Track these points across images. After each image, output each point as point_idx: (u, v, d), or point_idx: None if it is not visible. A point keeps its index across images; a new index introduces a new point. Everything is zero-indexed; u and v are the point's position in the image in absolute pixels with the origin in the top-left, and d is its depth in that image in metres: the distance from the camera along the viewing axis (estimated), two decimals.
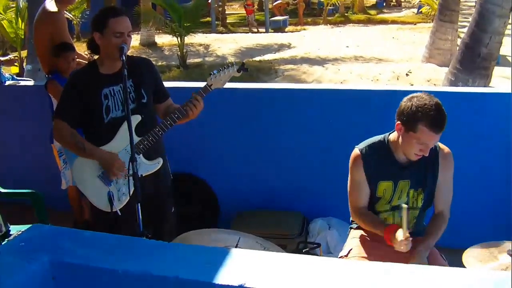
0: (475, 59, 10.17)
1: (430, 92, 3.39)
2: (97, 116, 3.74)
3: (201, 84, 3.83)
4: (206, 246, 2.21)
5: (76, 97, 3.76)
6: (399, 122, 3.37)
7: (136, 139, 3.71)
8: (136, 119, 3.73)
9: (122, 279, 1.94)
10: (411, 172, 3.48)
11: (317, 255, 4.74)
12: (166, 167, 4.10)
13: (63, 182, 5.56)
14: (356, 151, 3.58)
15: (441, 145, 3.54)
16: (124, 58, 3.56)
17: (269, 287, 1.78)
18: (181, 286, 1.85)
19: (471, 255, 3.16)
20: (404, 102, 3.36)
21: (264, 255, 2.01)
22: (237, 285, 1.78)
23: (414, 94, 3.37)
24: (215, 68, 3.95)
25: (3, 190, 5.04)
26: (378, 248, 3.55)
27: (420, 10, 29.54)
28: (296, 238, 4.99)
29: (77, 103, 3.75)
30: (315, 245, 4.83)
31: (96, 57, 3.93)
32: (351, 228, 3.89)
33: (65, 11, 6.35)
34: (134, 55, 4.35)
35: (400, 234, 3.22)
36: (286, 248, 4.86)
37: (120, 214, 3.72)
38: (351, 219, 3.82)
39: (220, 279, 1.83)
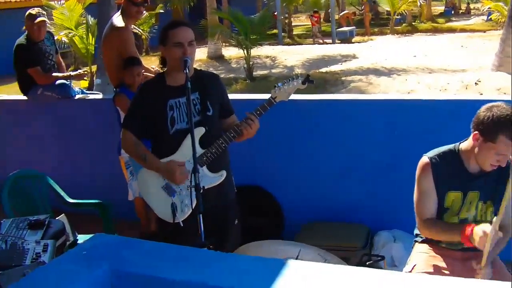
0: None
1: (498, 101, 3.30)
2: (162, 127, 3.80)
3: (267, 96, 3.84)
4: (263, 257, 2.21)
5: (143, 107, 3.86)
6: (476, 132, 3.28)
7: (200, 151, 3.75)
8: (200, 131, 3.76)
9: None
10: (482, 183, 3.37)
11: (381, 268, 4.68)
12: (230, 179, 4.10)
13: (130, 193, 5.66)
14: (425, 159, 3.49)
15: None
16: (187, 71, 3.61)
17: None
18: None
19: None
20: (483, 112, 3.27)
21: (321, 267, 1.99)
22: None
23: (493, 104, 3.28)
24: (281, 79, 3.94)
25: (71, 201, 5.16)
26: (444, 264, 3.48)
27: (489, 17, 28.98)
28: (360, 251, 4.92)
29: (144, 113, 3.84)
30: (379, 258, 4.77)
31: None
32: (415, 241, 3.79)
33: (133, 26, 6.49)
34: (202, 68, 4.41)
35: (486, 228, 3.09)
36: (349, 261, 4.81)
37: (182, 225, 3.75)
38: (415, 232, 3.74)
39: None
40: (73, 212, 5.37)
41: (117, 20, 5.70)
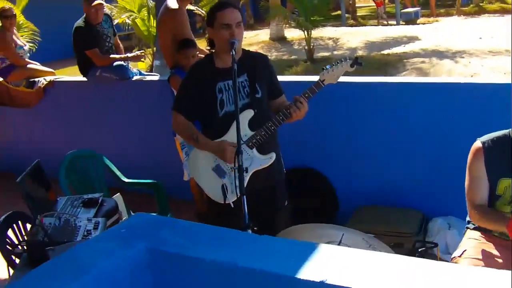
0: None
1: None
2: (212, 110, 3.83)
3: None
4: (296, 240, 2.22)
5: (192, 89, 3.90)
6: None
7: (249, 133, 3.78)
8: (249, 113, 3.78)
9: (209, 268, 1.99)
10: None
11: (434, 255, 4.62)
12: (280, 161, 4.10)
13: (185, 173, 5.72)
14: (477, 143, 3.42)
15: None
16: (234, 52, 3.60)
17: (351, 284, 1.75)
18: (263, 278, 1.86)
19: None
20: None
21: (354, 252, 1.98)
22: (318, 281, 1.77)
23: None
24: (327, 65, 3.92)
25: (127, 180, 5.27)
26: (497, 252, 3.40)
27: None
28: (414, 237, 4.86)
29: (194, 95, 3.88)
30: (432, 245, 4.70)
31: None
32: (467, 228, 3.71)
33: (196, 7, 6.52)
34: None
35: None
36: (403, 247, 4.77)
37: (233, 206, 3.78)
38: (467, 218, 3.67)
39: (303, 274, 1.83)
40: (131, 192, 5.52)
41: (171, 2, 5.76)
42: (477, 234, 3.58)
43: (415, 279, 1.79)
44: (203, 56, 5.69)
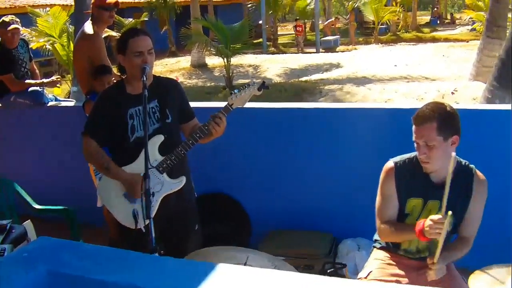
0: (511, 75, 9.83)
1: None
2: (122, 136, 3.85)
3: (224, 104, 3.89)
4: (195, 261, 2.28)
5: (103, 115, 3.90)
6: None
7: (159, 158, 3.83)
8: (159, 138, 3.82)
9: None
10: (442, 194, 3.35)
11: (343, 275, 4.74)
12: (190, 185, 4.16)
13: (99, 199, 5.66)
14: (390, 163, 3.56)
15: (478, 172, 3.48)
16: (145, 78, 3.64)
17: None
18: None
19: (479, 277, 3.10)
20: None
21: (249, 271, 2.05)
22: None
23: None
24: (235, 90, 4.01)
25: (37, 207, 5.19)
26: (399, 271, 3.53)
27: (473, 27, 29.23)
28: (323, 258, 4.96)
29: (105, 121, 3.88)
30: (341, 266, 4.83)
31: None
32: (374, 247, 3.85)
33: (118, 34, 6.50)
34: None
35: (433, 216, 3.17)
36: (313, 268, 4.87)
37: (144, 231, 3.80)
38: (374, 237, 3.80)
39: None
40: (43, 219, 5.42)
41: (88, 27, 5.72)
42: (382, 254, 3.71)
43: None
44: None
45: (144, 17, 27.03)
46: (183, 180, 3.94)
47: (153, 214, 3.74)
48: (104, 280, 2.01)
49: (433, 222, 3.14)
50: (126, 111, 3.84)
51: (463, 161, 3.50)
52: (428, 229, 3.16)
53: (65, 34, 16.11)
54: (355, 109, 5.78)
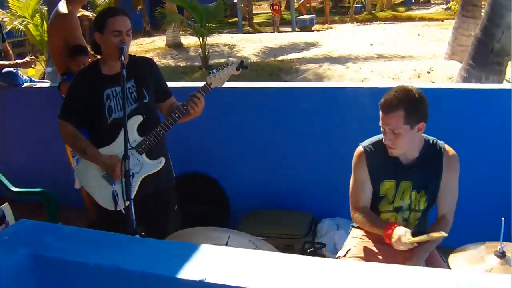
0: (487, 54, 9.90)
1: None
2: (100, 117, 3.81)
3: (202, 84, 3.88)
4: (177, 242, 2.28)
5: (79, 97, 3.86)
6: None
7: (138, 138, 3.80)
8: (138, 119, 3.80)
9: (93, 271, 2.02)
10: (414, 173, 3.44)
11: (323, 255, 4.77)
12: (169, 165, 4.15)
13: (76, 181, 5.61)
14: (359, 148, 3.58)
15: (447, 147, 3.50)
16: (123, 58, 3.61)
17: (230, 282, 1.83)
18: (145, 280, 1.92)
19: (458, 255, 3.13)
20: None
21: (230, 251, 2.06)
22: (198, 280, 1.84)
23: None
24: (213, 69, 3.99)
25: (14, 189, 5.16)
26: (377, 250, 3.55)
27: (447, 6, 29.35)
28: (303, 238, 4.99)
29: (81, 103, 3.84)
30: (320, 245, 4.86)
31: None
32: (352, 226, 3.88)
33: (92, 14, 6.43)
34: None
35: (401, 231, 3.21)
36: (293, 248, 4.89)
37: (124, 212, 3.79)
38: None
39: (183, 273, 1.89)
40: (20, 202, 5.38)
41: (62, 6, 5.66)
42: (360, 232, 3.73)
43: (292, 274, 1.89)
44: None
45: None
46: (162, 161, 3.94)
47: (132, 195, 3.75)
48: (87, 262, 2.01)
49: (398, 242, 3.20)
50: (102, 91, 3.81)
51: (431, 139, 3.53)
52: (394, 243, 3.23)
53: (38, 14, 15.92)
54: (335, 88, 5.78)
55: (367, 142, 3.59)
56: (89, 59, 5.63)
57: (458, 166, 3.50)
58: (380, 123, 3.36)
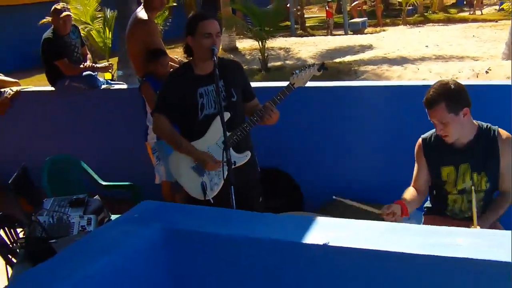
0: None
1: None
2: (192, 113, 4.10)
3: (283, 84, 4.14)
4: (294, 216, 2.50)
5: (173, 95, 4.15)
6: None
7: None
8: (226, 116, 4.03)
9: (225, 242, 2.26)
10: (471, 155, 3.73)
11: None
12: (254, 159, 4.39)
13: (157, 177, 5.90)
14: (419, 140, 3.96)
15: (501, 130, 3.77)
16: (215, 58, 3.90)
17: (351, 245, 2.07)
18: (274, 246, 2.16)
19: None
20: None
21: (344, 222, 2.29)
22: (321, 243, 2.08)
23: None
24: (296, 70, 4.25)
25: (104, 183, 5.47)
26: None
27: (501, 7, 29.00)
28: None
29: (174, 101, 4.13)
30: None
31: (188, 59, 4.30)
32: (423, 215, 4.21)
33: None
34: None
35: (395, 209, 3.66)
36: None
37: (212, 202, 4.07)
38: (424, 205, 4.14)
39: (307, 239, 2.13)
40: (104, 195, 5.68)
41: (142, 13, 5.95)
42: (431, 220, 4.05)
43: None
44: (173, 64, 5.99)
45: (172, 2, 27.09)
46: (248, 154, 4.20)
47: (218, 188, 4.05)
48: (218, 233, 2.25)
49: (386, 216, 3.69)
50: (196, 90, 4.09)
51: (485, 124, 3.81)
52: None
53: (97, 20, 16.29)
54: (399, 86, 5.99)
55: (426, 134, 3.95)
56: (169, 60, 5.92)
57: None
58: (429, 117, 3.69)
